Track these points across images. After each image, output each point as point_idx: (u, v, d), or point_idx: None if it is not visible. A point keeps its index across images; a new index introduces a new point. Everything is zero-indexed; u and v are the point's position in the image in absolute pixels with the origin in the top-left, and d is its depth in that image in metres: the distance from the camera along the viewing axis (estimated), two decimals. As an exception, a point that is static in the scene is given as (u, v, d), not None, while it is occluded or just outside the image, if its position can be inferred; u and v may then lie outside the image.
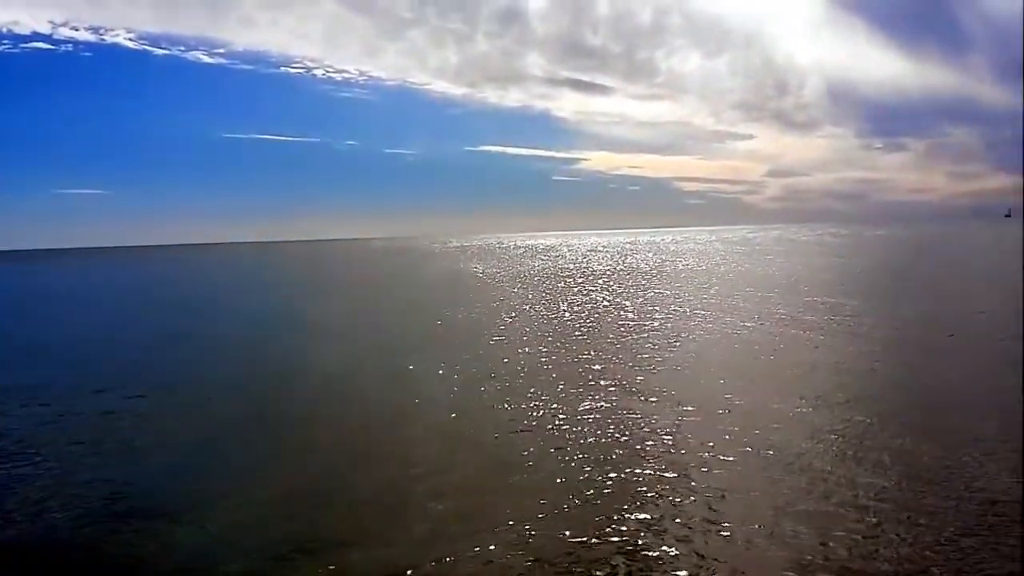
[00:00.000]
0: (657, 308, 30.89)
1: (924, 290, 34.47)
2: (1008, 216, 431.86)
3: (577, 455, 11.51)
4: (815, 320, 25.28)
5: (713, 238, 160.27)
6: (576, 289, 41.86)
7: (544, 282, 48.24)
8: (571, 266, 67.00)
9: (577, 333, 24.81)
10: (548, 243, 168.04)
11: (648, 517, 9.11)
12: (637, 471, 10.63)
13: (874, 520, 8.72)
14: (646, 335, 23.51)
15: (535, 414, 14.17)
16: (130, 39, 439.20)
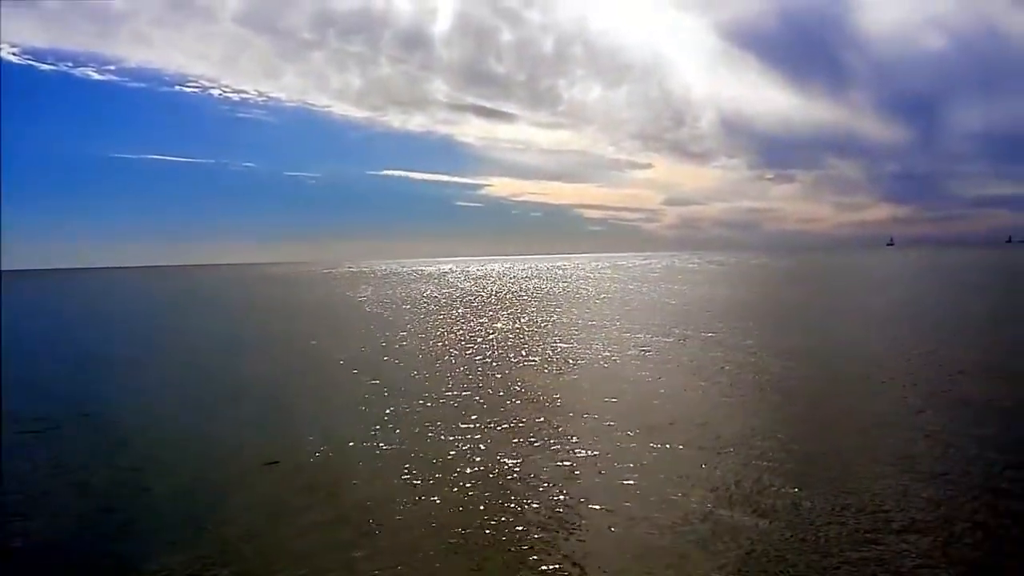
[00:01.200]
0: (514, 333, 30.49)
1: (775, 317, 34.94)
2: (890, 244, 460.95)
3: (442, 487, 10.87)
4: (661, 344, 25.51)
5: (602, 264, 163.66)
6: (447, 314, 41.55)
7: (418, 307, 47.42)
8: (453, 291, 66.07)
9: (430, 357, 24.18)
10: (444, 268, 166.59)
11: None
12: (508, 519, 9.58)
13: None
14: (503, 360, 23.10)
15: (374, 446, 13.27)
16: (14, 53, 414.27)
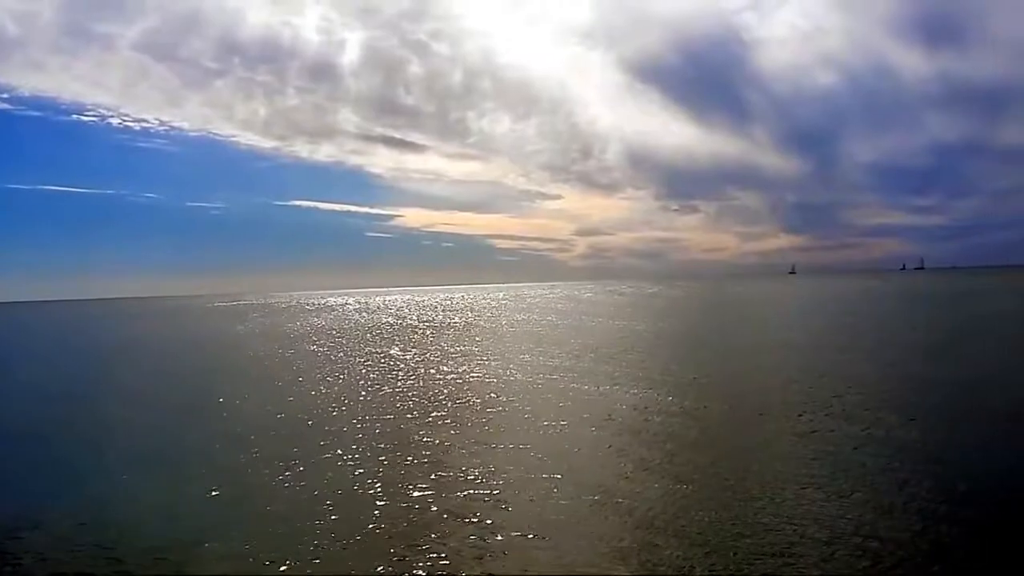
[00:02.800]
0: (402, 362, 30.97)
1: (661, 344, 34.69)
2: (792, 272, 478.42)
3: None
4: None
5: (507, 295, 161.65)
6: (328, 345, 41.31)
7: (302, 340, 46.11)
8: (342, 323, 64.79)
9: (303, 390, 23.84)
10: (346, 300, 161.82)
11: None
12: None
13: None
14: (381, 390, 23.16)
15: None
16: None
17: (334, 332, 52.79)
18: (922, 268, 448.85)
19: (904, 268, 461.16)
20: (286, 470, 13.46)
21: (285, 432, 17.10)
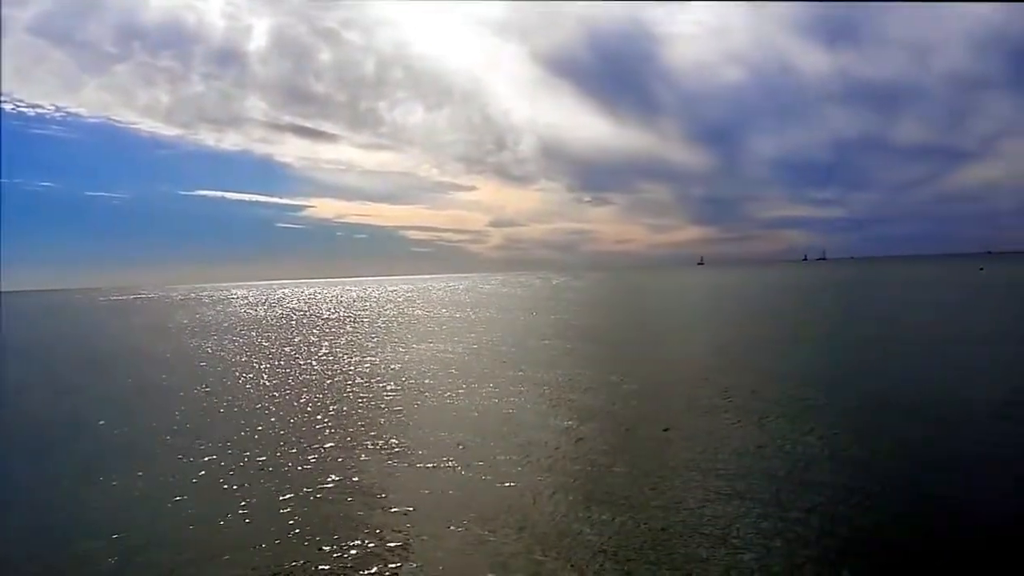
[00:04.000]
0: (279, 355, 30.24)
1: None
2: (701, 263, 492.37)
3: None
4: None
5: (408, 288, 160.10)
6: (200, 340, 39.26)
7: (178, 336, 43.84)
8: (231, 317, 61.06)
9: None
10: (245, 293, 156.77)
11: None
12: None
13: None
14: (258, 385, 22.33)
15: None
16: None
17: (215, 327, 49.99)
18: (824, 259, 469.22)
19: (806, 259, 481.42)
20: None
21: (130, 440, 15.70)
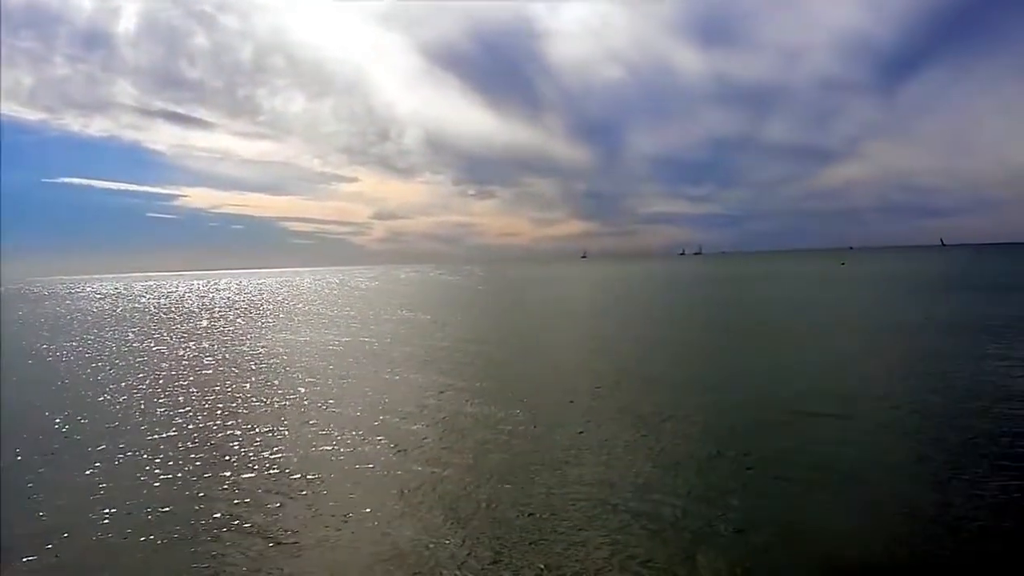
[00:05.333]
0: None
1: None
2: (584, 257, 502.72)
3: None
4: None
5: (274, 281, 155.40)
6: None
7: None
8: (72, 313, 54.17)
9: None
10: (110, 288, 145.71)
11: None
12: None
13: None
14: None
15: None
16: None
17: (49, 324, 45.33)
18: (700, 253, 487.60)
19: (683, 253, 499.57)
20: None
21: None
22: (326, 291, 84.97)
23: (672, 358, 22.14)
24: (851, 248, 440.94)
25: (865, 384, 16.79)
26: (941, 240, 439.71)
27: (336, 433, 13.98)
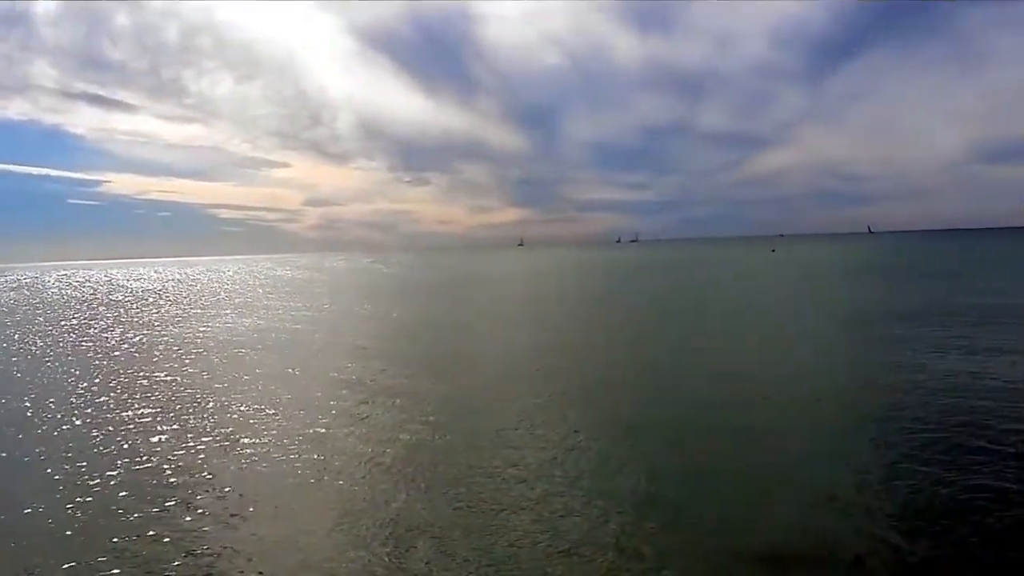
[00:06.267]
0: None
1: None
2: (521, 245, 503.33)
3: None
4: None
5: (197, 270, 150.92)
6: None
7: None
8: None
9: None
10: (16, 277, 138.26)
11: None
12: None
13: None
14: None
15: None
16: None
17: None
18: (636, 241, 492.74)
19: (620, 240, 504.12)
20: None
21: None
22: (247, 280, 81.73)
23: (602, 348, 21.68)
24: (782, 235, 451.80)
25: (788, 372, 16.98)
26: (869, 227, 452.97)
27: (226, 430, 13.28)
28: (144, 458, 11.52)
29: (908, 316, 24.96)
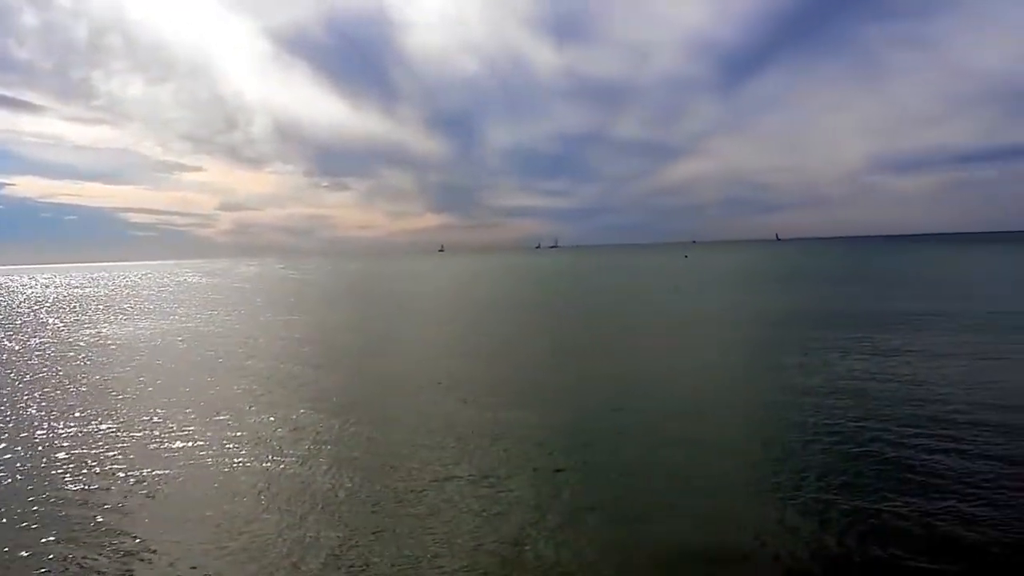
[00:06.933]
0: None
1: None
2: (442, 250, 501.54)
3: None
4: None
5: (101, 276, 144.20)
6: None
7: None
8: None
9: None
10: None
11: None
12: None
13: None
14: None
15: None
16: None
17: None
18: (556, 247, 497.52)
19: (540, 246, 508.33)
20: None
21: None
22: (147, 287, 78.66)
23: (512, 353, 21.80)
24: (694, 242, 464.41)
25: (693, 373, 17.48)
26: (776, 235, 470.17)
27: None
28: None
29: (810, 320, 25.76)
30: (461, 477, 9.99)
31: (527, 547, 7.70)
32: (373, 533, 8.16)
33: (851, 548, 7.38)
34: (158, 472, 10.64)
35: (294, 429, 12.98)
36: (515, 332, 26.94)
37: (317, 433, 12.71)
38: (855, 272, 59.52)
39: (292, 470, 10.53)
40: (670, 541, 7.76)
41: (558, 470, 10.14)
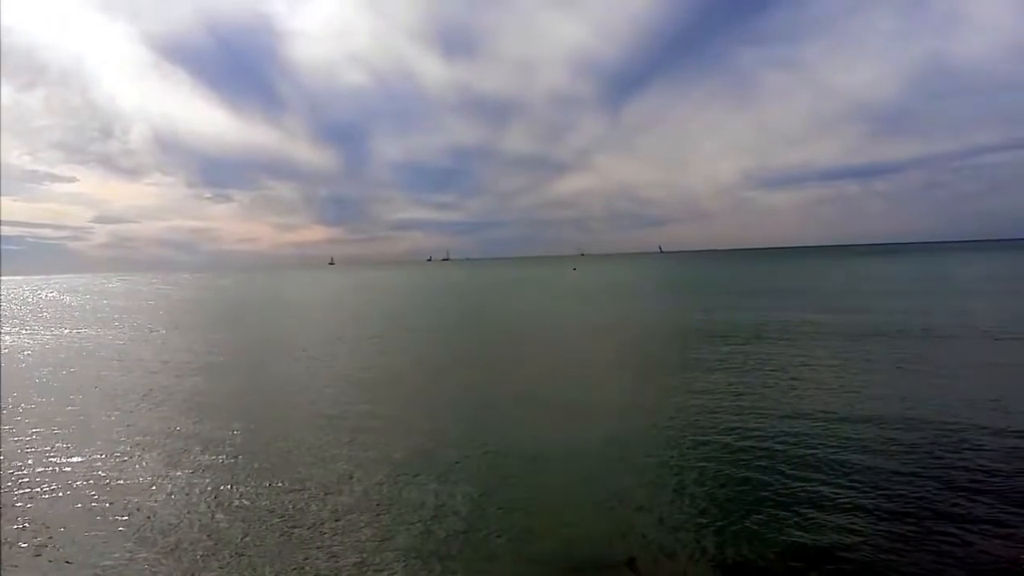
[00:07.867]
0: None
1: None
2: (332, 264, 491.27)
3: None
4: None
5: None
6: None
7: None
8: None
9: None
10: None
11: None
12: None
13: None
14: None
15: None
16: None
17: None
18: (447, 260, 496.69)
19: (431, 260, 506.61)
20: None
21: None
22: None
23: (399, 369, 21.45)
24: (583, 254, 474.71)
25: (578, 383, 17.66)
26: (660, 247, 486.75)
27: None
28: None
29: (693, 331, 26.55)
30: (338, 497, 9.75)
31: (415, 559, 7.72)
32: (261, 546, 8.12)
33: (727, 556, 7.55)
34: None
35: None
36: (404, 347, 26.33)
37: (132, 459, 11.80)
38: (731, 283, 62.48)
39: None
40: (556, 555, 7.78)
41: (448, 483, 10.12)
